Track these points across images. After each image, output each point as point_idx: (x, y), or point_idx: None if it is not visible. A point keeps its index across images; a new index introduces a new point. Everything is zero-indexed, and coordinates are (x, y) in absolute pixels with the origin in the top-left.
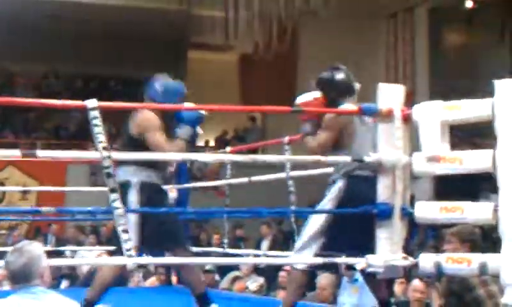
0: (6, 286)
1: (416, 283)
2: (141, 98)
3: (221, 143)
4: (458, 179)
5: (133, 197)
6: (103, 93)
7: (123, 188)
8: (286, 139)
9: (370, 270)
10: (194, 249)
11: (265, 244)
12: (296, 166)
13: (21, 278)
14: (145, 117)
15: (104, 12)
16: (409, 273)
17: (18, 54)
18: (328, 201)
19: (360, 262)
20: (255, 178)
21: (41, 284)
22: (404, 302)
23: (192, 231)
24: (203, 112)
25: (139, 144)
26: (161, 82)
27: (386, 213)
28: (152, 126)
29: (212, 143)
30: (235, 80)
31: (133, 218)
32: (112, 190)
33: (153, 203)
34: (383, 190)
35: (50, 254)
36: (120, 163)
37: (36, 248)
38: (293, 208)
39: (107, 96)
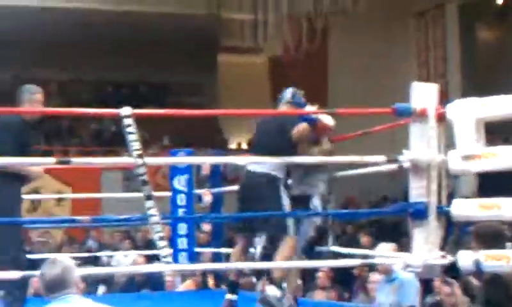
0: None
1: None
2: (171, 102)
3: None
4: (498, 176)
5: None
6: (133, 99)
7: None
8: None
9: (408, 270)
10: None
11: None
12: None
13: (56, 287)
14: None
15: (134, 19)
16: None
17: (49, 62)
18: None
19: (398, 262)
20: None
21: (75, 293)
22: (437, 303)
23: (227, 234)
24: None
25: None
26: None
27: (421, 213)
28: None
29: (244, 146)
30: (266, 82)
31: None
32: (148, 198)
33: None
34: (417, 190)
35: (88, 260)
36: None
37: (68, 259)
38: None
39: (137, 102)
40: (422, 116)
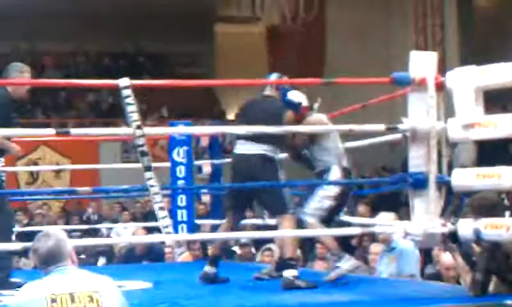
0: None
1: (444, 258)
2: (168, 73)
3: None
4: (497, 145)
5: None
6: (131, 70)
7: None
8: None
9: (408, 238)
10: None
11: None
12: None
13: (51, 260)
14: None
15: None
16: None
17: (45, 34)
18: None
19: (398, 231)
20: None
21: (70, 264)
22: (435, 274)
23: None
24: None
25: None
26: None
27: (421, 183)
28: None
29: None
30: (263, 52)
31: None
32: (147, 168)
33: None
34: (417, 159)
35: (88, 231)
36: None
37: (60, 231)
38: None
39: (135, 73)
40: (421, 85)
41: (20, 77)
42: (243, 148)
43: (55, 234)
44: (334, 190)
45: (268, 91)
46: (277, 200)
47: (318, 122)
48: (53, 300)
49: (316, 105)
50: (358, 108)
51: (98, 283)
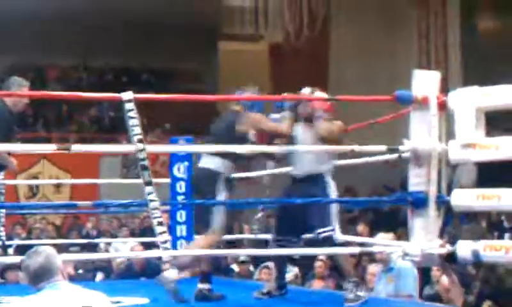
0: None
1: (444, 279)
2: (172, 89)
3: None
4: (498, 167)
5: None
6: (134, 86)
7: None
8: None
9: (407, 259)
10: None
11: None
12: None
13: (42, 276)
14: None
15: (134, 4)
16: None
17: (48, 48)
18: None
19: (397, 251)
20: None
21: (62, 279)
22: (434, 295)
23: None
24: None
25: None
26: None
27: (421, 202)
28: None
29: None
30: (266, 70)
31: None
32: (148, 183)
33: None
34: (417, 178)
35: (87, 246)
36: None
37: (49, 247)
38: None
39: (138, 89)
40: (423, 103)
41: (20, 91)
42: (201, 162)
43: (44, 250)
44: None
45: (234, 106)
46: (209, 216)
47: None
48: None
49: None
50: (363, 125)
51: (92, 298)
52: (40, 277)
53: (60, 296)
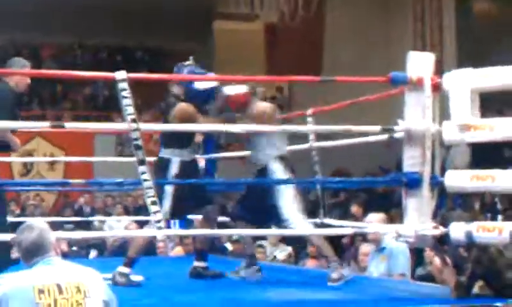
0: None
1: (436, 260)
2: (167, 69)
3: None
4: (491, 147)
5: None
6: (128, 65)
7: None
8: (309, 110)
9: (400, 240)
10: (221, 218)
11: None
12: (320, 137)
13: (36, 252)
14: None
15: None
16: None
17: (43, 27)
18: None
19: (391, 232)
20: None
21: (55, 255)
22: (426, 275)
23: (219, 201)
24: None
25: None
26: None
27: (415, 182)
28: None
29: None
30: (262, 49)
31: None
32: (141, 162)
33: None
34: (412, 160)
35: (81, 224)
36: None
37: (43, 223)
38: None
39: (132, 68)
40: (417, 85)
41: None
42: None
43: (38, 226)
44: None
45: (174, 89)
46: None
47: (263, 110)
48: (41, 291)
49: (260, 90)
50: (347, 104)
51: (84, 274)
52: (32, 252)
53: (52, 272)
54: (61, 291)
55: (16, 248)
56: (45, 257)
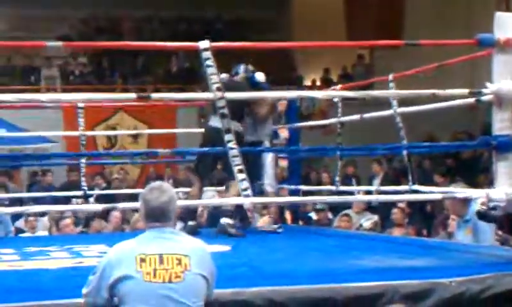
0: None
1: None
2: (246, 39)
3: (327, 82)
4: None
5: None
6: (207, 37)
7: None
8: (391, 76)
9: (491, 204)
10: (305, 187)
11: (376, 182)
12: (404, 102)
13: (160, 216)
14: None
15: None
16: None
17: (122, 1)
18: None
19: (480, 197)
20: (366, 115)
21: (173, 226)
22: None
23: (302, 170)
24: None
25: None
26: None
27: (505, 146)
28: None
29: (318, 83)
30: (341, 17)
31: None
32: (227, 131)
33: None
34: (501, 123)
35: None
36: None
37: (172, 189)
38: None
39: (212, 39)
40: (505, 46)
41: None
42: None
43: (169, 190)
44: None
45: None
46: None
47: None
48: (142, 260)
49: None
50: (433, 67)
51: (190, 246)
52: (156, 217)
53: (159, 242)
54: (161, 262)
55: (141, 205)
56: (164, 226)
